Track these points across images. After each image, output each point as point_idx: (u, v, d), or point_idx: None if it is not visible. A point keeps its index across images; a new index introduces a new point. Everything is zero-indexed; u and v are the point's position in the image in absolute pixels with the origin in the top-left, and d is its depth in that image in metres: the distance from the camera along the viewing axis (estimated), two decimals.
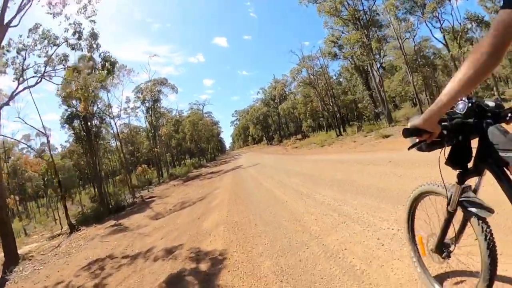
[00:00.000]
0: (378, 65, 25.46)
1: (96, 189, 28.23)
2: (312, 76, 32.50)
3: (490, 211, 1.31)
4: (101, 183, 24.54)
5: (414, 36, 28.50)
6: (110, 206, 17.83)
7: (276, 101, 63.47)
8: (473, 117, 1.25)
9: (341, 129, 30.20)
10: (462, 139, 1.25)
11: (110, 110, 31.23)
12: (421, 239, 1.81)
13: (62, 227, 18.38)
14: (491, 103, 1.27)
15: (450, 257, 1.62)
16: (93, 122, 31.13)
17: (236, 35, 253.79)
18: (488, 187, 1.42)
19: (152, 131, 39.41)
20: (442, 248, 1.63)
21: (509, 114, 1.21)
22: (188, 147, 58.70)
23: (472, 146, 1.27)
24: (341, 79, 47.54)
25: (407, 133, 1.18)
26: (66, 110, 27.61)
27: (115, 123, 31.55)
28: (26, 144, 31.27)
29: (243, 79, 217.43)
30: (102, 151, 43.45)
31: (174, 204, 12.72)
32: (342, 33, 36.60)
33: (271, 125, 75.35)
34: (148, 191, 24.42)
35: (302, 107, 45.15)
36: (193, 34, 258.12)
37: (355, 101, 39.72)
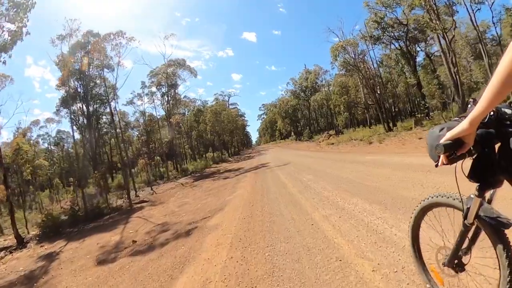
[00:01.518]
0: (450, 37, 19.52)
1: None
2: (355, 58, 26.83)
3: (509, 224, 1.23)
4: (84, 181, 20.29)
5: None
6: (80, 214, 13.44)
7: (307, 93, 58.06)
8: (494, 126, 1.16)
9: (391, 124, 24.52)
10: (487, 150, 1.17)
11: (114, 92, 27.09)
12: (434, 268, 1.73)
13: (27, 232, 14.14)
14: (508, 110, 1.17)
15: (464, 270, 1.53)
16: (94, 106, 27.29)
17: (265, 30, 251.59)
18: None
19: (169, 120, 35.11)
20: (455, 261, 1.53)
21: None
22: (210, 140, 54.25)
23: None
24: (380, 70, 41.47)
25: (448, 147, 1.09)
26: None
27: (115, 107, 27.47)
28: None
29: (271, 74, 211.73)
30: (111, 140, 39.92)
31: (151, 228, 7.98)
32: (386, 14, 31.25)
33: (300, 119, 70.06)
34: (152, 190, 20.00)
35: (337, 98, 39.48)
36: (222, 29, 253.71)
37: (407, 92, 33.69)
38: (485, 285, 1.67)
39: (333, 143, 28.72)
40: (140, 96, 36.79)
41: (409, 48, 32.46)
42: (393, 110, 36.99)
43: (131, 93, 36.28)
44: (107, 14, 66.44)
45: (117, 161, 49.89)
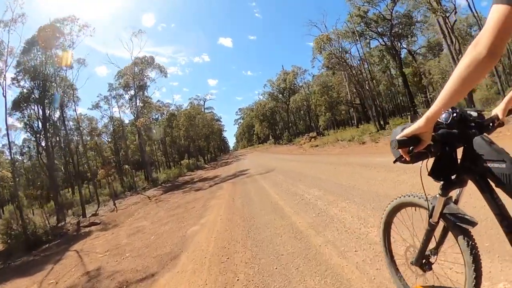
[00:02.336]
0: (453, 20, 17.59)
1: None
2: (341, 51, 24.75)
3: (473, 223, 1.26)
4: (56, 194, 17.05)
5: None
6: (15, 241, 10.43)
7: (285, 94, 55.94)
8: (458, 127, 1.20)
9: (382, 122, 22.47)
10: (448, 150, 1.19)
11: (73, 93, 23.83)
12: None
13: None
14: (473, 113, 1.24)
15: (431, 269, 1.55)
16: (51, 109, 23.86)
17: (241, 35, 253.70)
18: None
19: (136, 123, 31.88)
20: (423, 260, 1.55)
21: (491, 124, 1.23)
22: (185, 146, 50.97)
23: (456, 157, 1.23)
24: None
25: (402, 143, 1.10)
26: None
27: (75, 109, 24.21)
28: None
29: (247, 80, 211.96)
30: (79, 148, 36.18)
31: (75, 279, 5.25)
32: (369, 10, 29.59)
33: (278, 122, 67.98)
34: (114, 205, 16.98)
35: (319, 98, 37.46)
36: (198, 35, 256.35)
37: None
38: (452, 284, 1.69)
39: (317, 145, 26.47)
40: (107, 99, 33.50)
41: (393, 43, 30.99)
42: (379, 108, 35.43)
43: (98, 96, 32.91)
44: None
45: (87, 171, 46.07)
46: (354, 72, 24.71)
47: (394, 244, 1.89)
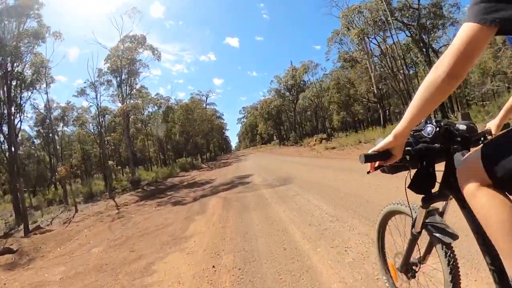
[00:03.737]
0: None
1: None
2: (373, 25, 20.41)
3: (454, 236, 1.25)
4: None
5: None
6: None
7: (293, 92, 51.59)
8: (441, 141, 1.20)
9: None
10: (425, 164, 1.19)
11: (46, 70, 19.68)
12: (393, 265, 1.72)
13: None
14: (462, 126, 1.22)
15: (415, 277, 1.56)
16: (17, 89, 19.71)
17: (248, 35, 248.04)
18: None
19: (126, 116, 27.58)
20: (407, 268, 1.56)
21: (482, 139, 1.22)
22: (183, 143, 46.59)
23: (437, 170, 1.21)
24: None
25: (369, 158, 1.10)
26: None
27: (46, 92, 20.03)
28: None
29: (252, 80, 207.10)
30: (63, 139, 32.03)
31: None
32: None
33: (284, 122, 63.62)
34: (70, 216, 12.83)
35: (334, 94, 33.11)
36: (205, 33, 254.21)
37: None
38: None
39: (334, 147, 22.21)
40: (94, 85, 29.27)
41: (421, 35, 26.66)
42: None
43: (85, 82, 28.68)
44: (83, 13, 56.71)
45: (79, 166, 41.82)
46: (387, 60, 20.26)
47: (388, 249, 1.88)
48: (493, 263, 1.00)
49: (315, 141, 34.31)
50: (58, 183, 22.84)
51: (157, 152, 45.39)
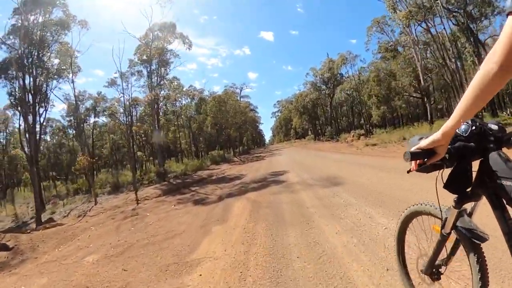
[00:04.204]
0: None
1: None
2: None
3: (484, 237, 1.20)
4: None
5: None
6: None
7: (329, 85, 49.18)
8: (476, 140, 1.14)
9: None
10: (463, 163, 1.15)
11: (72, 60, 19.11)
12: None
13: None
14: (494, 126, 1.17)
15: (440, 279, 1.50)
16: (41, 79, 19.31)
17: (282, 29, 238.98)
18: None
19: (156, 106, 26.89)
20: (433, 270, 1.49)
21: (511, 139, 1.16)
22: (215, 135, 45.74)
23: (472, 170, 1.17)
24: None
25: (414, 156, 1.08)
26: None
27: (72, 81, 19.50)
28: None
29: (287, 75, 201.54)
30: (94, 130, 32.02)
31: None
32: None
33: (320, 117, 61.21)
34: (88, 209, 11.99)
35: (374, 87, 30.69)
36: (240, 27, 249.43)
37: None
38: None
39: (375, 144, 20.20)
40: (125, 76, 28.79)
41: (469, 24, 23.56)
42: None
43: (115, 73, 28.35)
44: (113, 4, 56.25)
45: (109, 156, 42.18)
46: (437, 47, 17.84)
47: (408, 251, 1.79)
48: None
49: (353, 136, 32.23)
50: (77, 173, 22.39)
51: (188, 144, 44.89)
